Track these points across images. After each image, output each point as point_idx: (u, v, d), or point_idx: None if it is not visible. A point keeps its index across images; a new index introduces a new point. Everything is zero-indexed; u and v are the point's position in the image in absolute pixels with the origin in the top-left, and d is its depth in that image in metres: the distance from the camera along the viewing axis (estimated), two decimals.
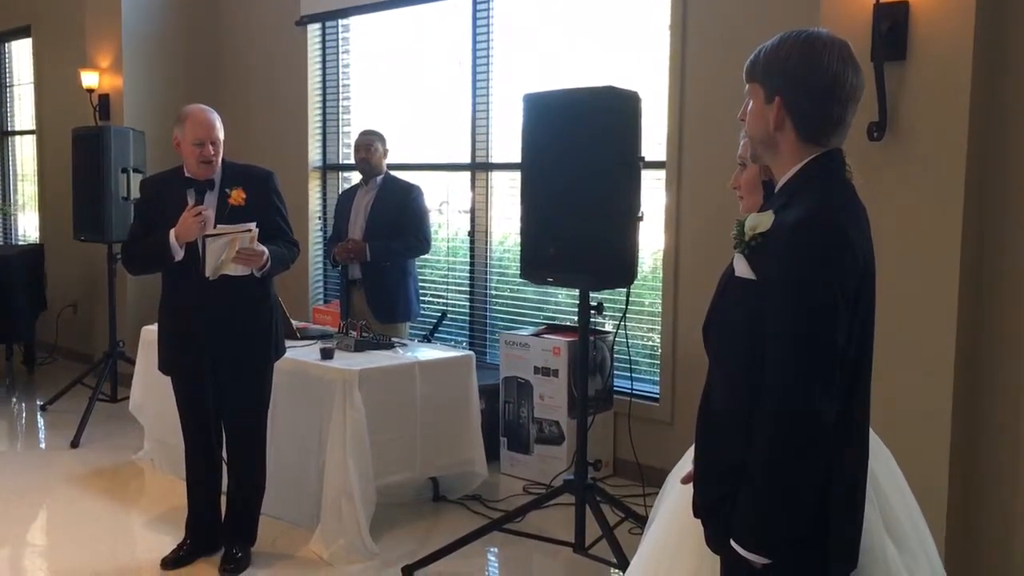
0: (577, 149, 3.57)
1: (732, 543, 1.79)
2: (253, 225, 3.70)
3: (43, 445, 5.98)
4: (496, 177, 5.92)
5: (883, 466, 2.14)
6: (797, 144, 1.84)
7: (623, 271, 3.67)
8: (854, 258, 1.75)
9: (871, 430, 1.99)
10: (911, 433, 3.25)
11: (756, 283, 1.81)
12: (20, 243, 9.14)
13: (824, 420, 1.70)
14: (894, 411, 3.17)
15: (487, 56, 5.82)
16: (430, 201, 5.81)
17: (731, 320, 1.88)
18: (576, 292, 3.94)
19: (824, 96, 1.80)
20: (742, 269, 1.85)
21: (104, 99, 7.08)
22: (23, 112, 9.17)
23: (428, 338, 5.71)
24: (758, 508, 1.75)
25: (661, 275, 5.03)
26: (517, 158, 3.88)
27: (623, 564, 3.49)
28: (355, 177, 5.78)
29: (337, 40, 6.75)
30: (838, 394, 1.73)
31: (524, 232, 3.82)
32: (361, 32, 6.69)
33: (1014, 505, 3.44)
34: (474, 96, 5.88)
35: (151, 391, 5.09)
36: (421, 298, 5.74)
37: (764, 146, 1.89)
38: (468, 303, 6.07)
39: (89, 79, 7.07)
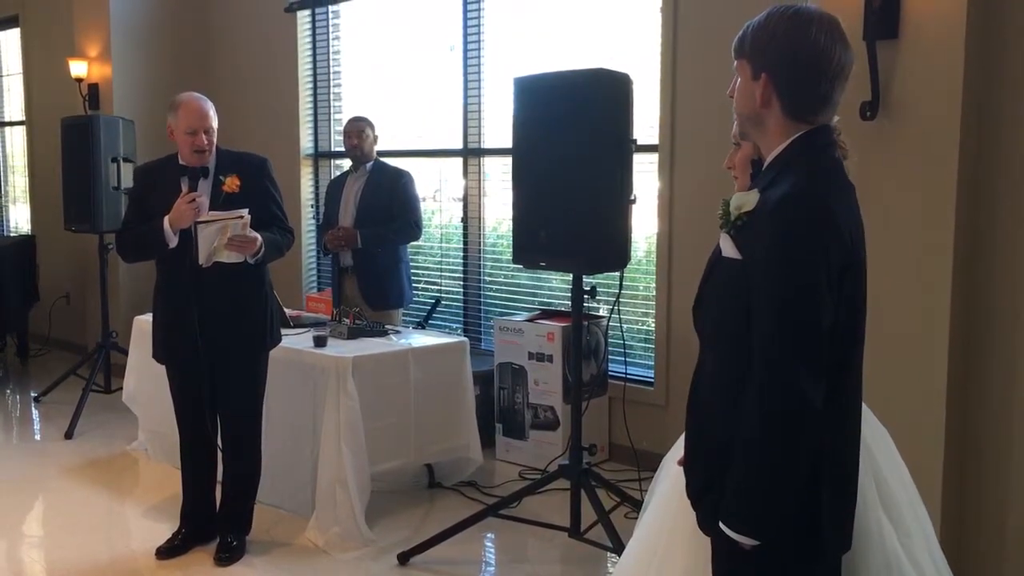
0: (569, 132, 3.55)
1: (720, 524, 1.78)
2: (245, 211, 3.68)
3: (37, 436, 5.96)
4: (489, 163, 5.90)
5: (880, 444, 2.14)
6: (784, 121, 1.82)
7: (616, 255, 3.65)
8: (839, 235, 1.73)
9: (868, 408, 1.98)
10: (906, 412, 3.24)
11: (742, 262, 1.79)
12: (11, 235, 9.10)
13: (810, 398, 1.69)
14: (888, 391, 3.17)
15: (478, 41, 5.79)
16: (423, 188, 5.79)
17: (719, 300, 1.87)
18: (569, 277, 3.92)
19: (811, 72, 1.78)
20: (728, 249, 1.84)
21: (93, 88, 7.04)
22: (12, 103, 9.11)
23: (422, 325, 5.70)
24: (745, 488, 1.73)
25: (655, 259, 5.02)
26: (509, 143, 3.86)
27: (619, 548, 3.49)
28: (346, 164, 5.76)
29: (327, 26, 6.71)
30: (825, 373, 1.72)
31: (516, 217, 3.80)
32: (351, 18, 6.65)
33: (1008, 485, 3.44)
34: (466, 81, 5.85)
35: (145, 381, 5.08)
36: (414, 285, 5.72)
37: (751, 123, 1.88)
38: (462, 289, 6.05)
39: (78, 68, 7.03)
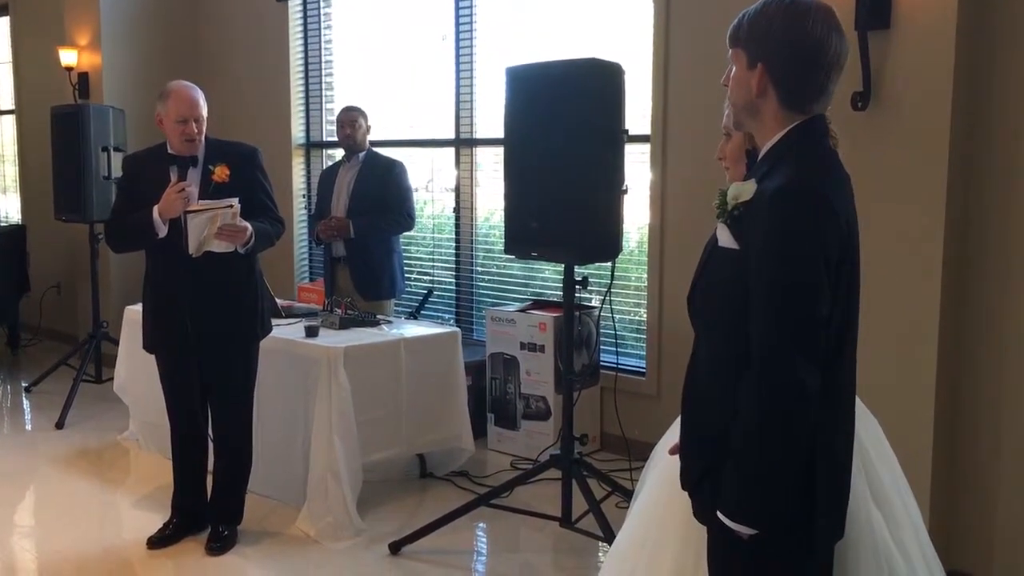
0: (560, 122, 3.55)
1: (718, 514, 1.78)
2: (235, 201, 3.67)
3: (28, 427, 5.94)
4: (481, 153, 5.88)
5: (870, 434, 2.14)
6: (780, 111, 1.82)
7: (607, 245, 3.65)
8: (836, 225, 1.73)
9: (858, 399, 1.99)
10: (896, 403, 3.25)
11: (739, 252, 1.79)
12: (2, 224, 9.06)
13: (808, 389, 1.69)
14: (878, 381, 3.18)
15: (470, 30, 5.77)
16: (415, 178, 5.78)
17: (715, 290, 1.87)
18: (561, 267, 3.92)
19: (807, 62, 1.78)
20: (725, 239, 1.83)
21: (83, 77, 7.00)
22: (2, 91, 9.05)
23: (414, 315, 5.69)
24: (743, 478, 1.74)
25: (647, 249, 5.01)
26: (502, 133, 3.85)
27: (610, 538, 3.49)
28: (338, 154, 5.74)
29: (319, 15, 6.68)
30: (822, 362, 1.72)
31: (508, 207, 3.80)
32: (343, 7, 6.62)
33: (998, 475, 3.46)
34: (458, 71, 5.83)
35: (136, 371, 5.07)
36: (407, 275, 5.72)
37: (747, 113, 1.87)
38: (454, 280, 6.05)
39: (68, 57, 6.99)
